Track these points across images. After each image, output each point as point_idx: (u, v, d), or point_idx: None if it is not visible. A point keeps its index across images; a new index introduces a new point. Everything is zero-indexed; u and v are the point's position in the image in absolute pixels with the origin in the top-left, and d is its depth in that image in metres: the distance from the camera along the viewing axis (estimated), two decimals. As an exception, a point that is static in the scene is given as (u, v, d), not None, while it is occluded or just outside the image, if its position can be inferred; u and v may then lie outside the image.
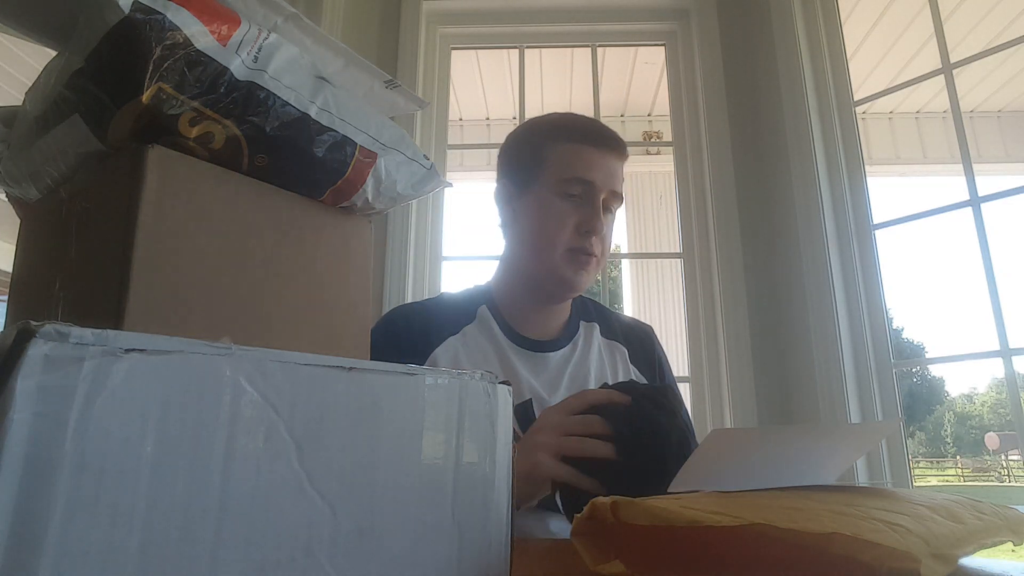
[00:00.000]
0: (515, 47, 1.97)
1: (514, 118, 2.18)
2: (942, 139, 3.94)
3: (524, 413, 0.79)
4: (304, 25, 0.38)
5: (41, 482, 0.17)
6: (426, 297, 0.99)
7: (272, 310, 0.35)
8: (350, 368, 0.25)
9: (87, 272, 0.32)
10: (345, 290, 0.40)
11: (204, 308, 0.32)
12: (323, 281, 0.38)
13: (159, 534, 0.19)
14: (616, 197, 0.86)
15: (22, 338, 0.17)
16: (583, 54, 2.17)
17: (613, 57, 2.78)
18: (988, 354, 1.46)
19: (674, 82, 1.89)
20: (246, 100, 0.33)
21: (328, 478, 0.23)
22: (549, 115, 0.92)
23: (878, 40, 2.62)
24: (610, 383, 0.87)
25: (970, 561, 0.38)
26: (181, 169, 0.32)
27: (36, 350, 0.17)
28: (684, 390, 1.29)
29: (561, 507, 0.61)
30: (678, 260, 1.78)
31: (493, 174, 0.94)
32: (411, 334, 0.82)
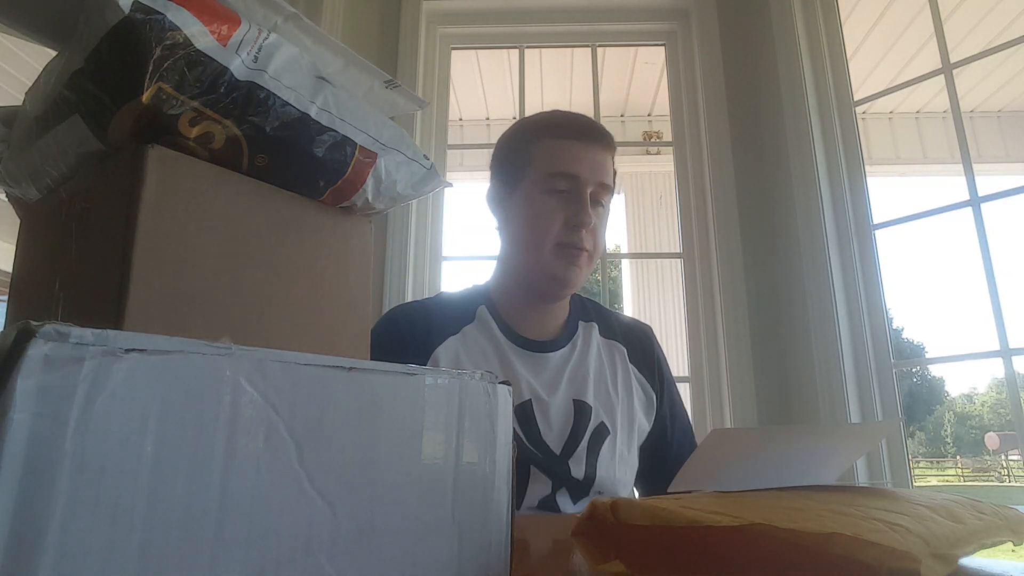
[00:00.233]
0: (515, 47, 1.98)
1: (514, 118, 2.17)
2: (942, 139, 3.95)
3: (524, 413, 0.79)
4: (304, 25, 0.38)
5: (41, 482, 0.17)
6: (425, 297, 0.99)
7: (272, 310, 0.35)
8: (350, 368, 0.25)
9: (87, 272, 0.32)
10: (345, 290, 0.40)
11: (204, 308, 0.32)
12: (323, 281, 0.38)
13: (159, 534, 0.19)
14: (605, 189, 0.85)
15: (22, 338, 0.17)
16: (583, 54, 2.17)
17: (613, 57, 2.78)
18: (988, 354, 1.46)
19: (674, 82, 1.89)
20: (246, 100, 0.33)
21: (328, 478, 0.23)
22: (535, 114, 0.92)
23: (878, 40, 2.62)
24: (609, 383, 0.87)
25: (970, 561, 0.38)
26: (181, 169, 0.32)
27: (36, 350, 0.17)
28: (684, 390, 1.28)
29: None
30: (678, 260, 1.78)
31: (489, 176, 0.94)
32: (413, 334, 0.82)
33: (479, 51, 2.58)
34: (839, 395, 1.45)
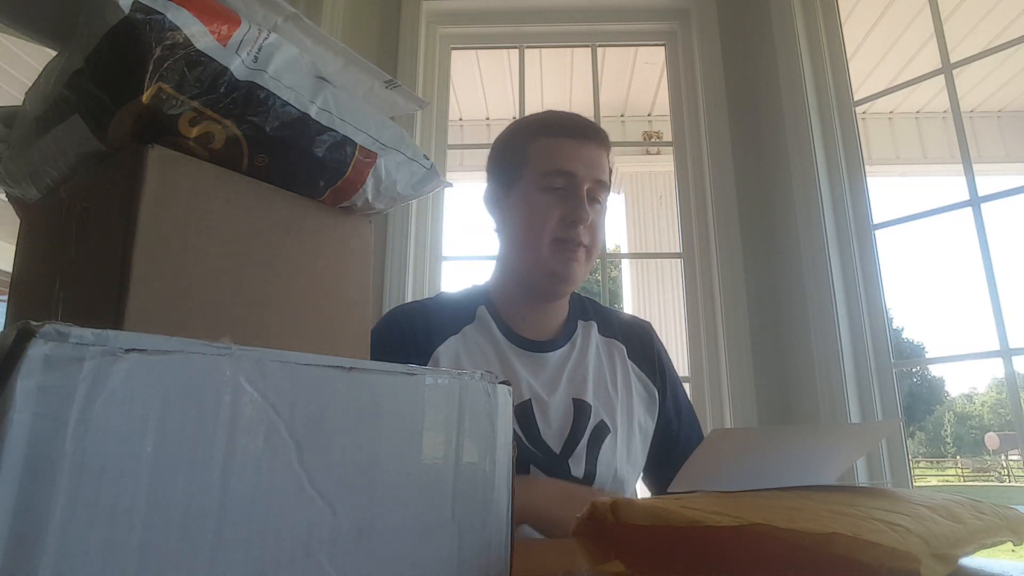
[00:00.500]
0: (515, 47, 1.97)
1: (514, 118, 2.18)
2: (942, 139, 3.94)
3: (523, 413, 0.79)
4: (304, 25, 0.38)
5: (41, 482, 0.17)
6: (425, 297, 0.99)
7: (272, 310, 0.35)
8: (350, 368, 0.25)
9: (87, 272, 0.32)
10: (345, 290, 0.40)
11: (204, 308, 0.32)
12: (323, 281, 0.38)
13: (159, 534, 0.19)
14: (602, 187, 0.85)
15: (22, 338, 0.17)
16: (583, 54, 2.17)
17: (613, 57, 2.78)
18: (988, 354, 1.46)
19: (674, 82, 1.89)
20: (246, 100, 0.33)
21: (328, 478, 0.23)
22: (530, 115, 0.93)
23: (878, 40, 2.62)
24: (608, 382, 0.87)
25: (970, 561, 0.38)
26: (181, 169, 0.32)
27: (36, 350, 0.17)
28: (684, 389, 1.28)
29: None
30: (678, 260, 1.78)
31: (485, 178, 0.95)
32: (413, 333, 0.82)
33: (479, 51, 2.58)
34: (839, 395, 1.45)
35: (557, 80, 2.95)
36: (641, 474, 0.89)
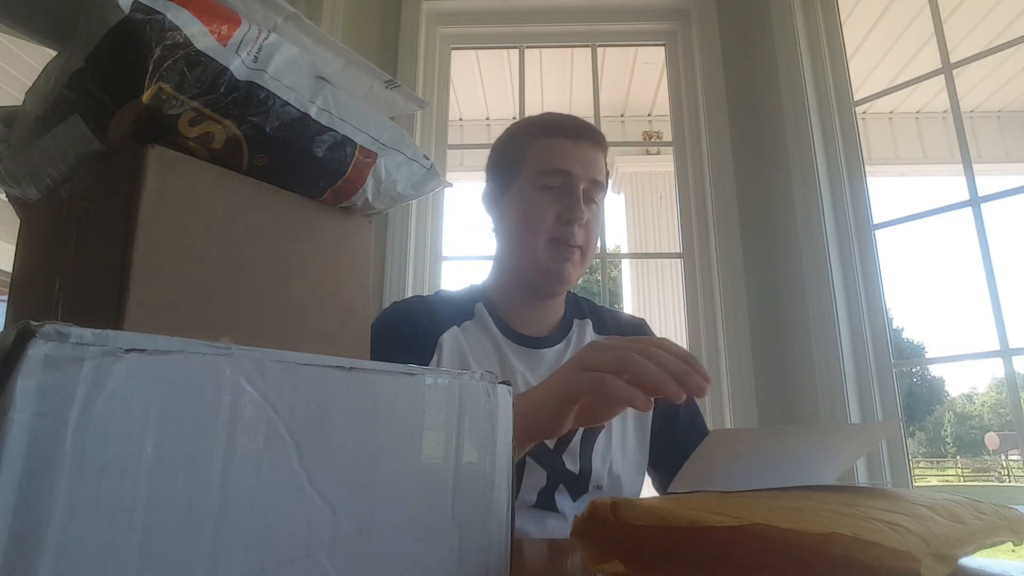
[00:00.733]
0: (515, 47, 1.97)
1: (514, 118, 2.18)
2: (942, 139, 3.95)
3: None
4: (304, 25, 0.38)
5: (41, 482, 0.17)
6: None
7: (272, 310, 0.35)
8: (350, 368, 0.25)
9: (87, 272, 0.32)
10: (345, 290, 0.40)
11: (204, 308, 0.32)
12: (323, 281, 0.38)
13: (159, 534, 0.19)
14: (598, 187, 0.87)
15: (22, 338, 0.17)
16: (583, 54, 2.17)
17: (613, 57, 2.78)
18: (988, 354, 1.46)
19: (674, 82, 1.89)
20: (246, 100, 0.33)
21: (328, 478, 0.23)
22: (528, 117, 0.95)
23: (878, 40, 2.62)
24: None
25: (970, 561, 0.38)
26: (181, 169, 0.32)
27: (36, 350, 0.17)
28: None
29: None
30: (678, 260, 1.78)
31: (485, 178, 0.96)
32: (419, 321, 0.83)
33: (479, 51, 2.58)
34: (839, 395, 1.45)
35: (557, 80, 2.96)
36: (646, 471, 0.89)
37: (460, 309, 0.87)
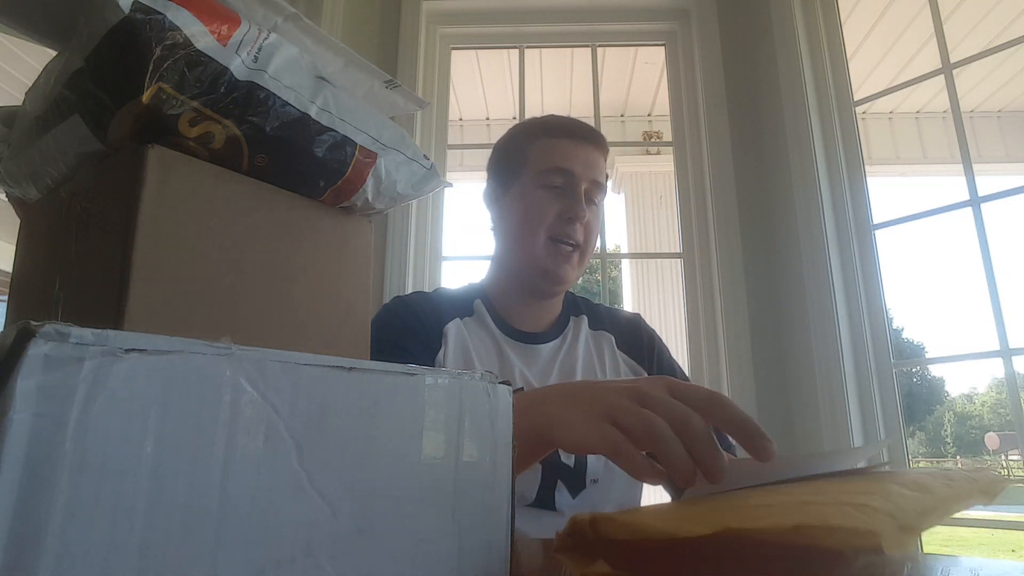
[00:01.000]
0: (515, 47, 1.97)
1: (514, 118, 2.18)
2: (942, 139, 3.94)
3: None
4: (304, 25, 0.38)
5: (41, 482, 0.17)
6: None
7: (272, 310, 0.35)
8: (350, 368, 0.25)
9: (87, 272, 0.32)
10: (345, 290, 0.40)
11: (204, 308, 0.32)
12: (323, 281, 0.38)
13: (159, 534, 0.19)
14: (598, 188, 0.88)
15: (22, 338, 0.17)
16: (583, 54, 2.17)
17: (613, 57, 2.78)
18: (988, 354, 1.46)
19: (674, 82, 1.89)
20: (246, 100, 0.33)
21: (328, 478, 0.23)
22: (530, 118, 0.96)
23: (878, 40, 2.62)
24: (597, 370, 0.88)
25: (970, 561, 0.38)
26: (181, 169, 0.32)
27: (36, 350, 0.17)
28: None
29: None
30: (678, 260, 1.78)
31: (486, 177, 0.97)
32: (423, 311, 0.84)
33: (479, 51, 2.58)
34: (839, 395, 1.45)
35: (557, 80, 2.96)
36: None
37: (460, 305, 0.89)
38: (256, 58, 0.33)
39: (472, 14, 1.90)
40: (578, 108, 3.21)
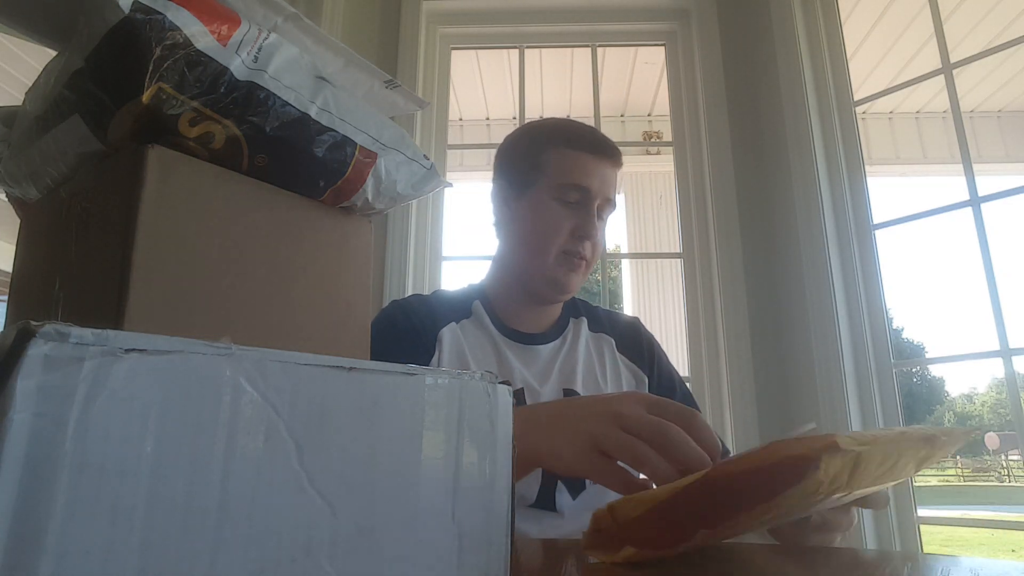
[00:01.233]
0: (515, 47, 1.97)
1: (514, 118, 2.18)
2: (942, 139, 3.95)
3: (516, 401, 0.81)
4: (304, 25, 0.38)
5: (41, 482, 0.17)
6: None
7: (272, 310, 0.35)
8: (350, 368, 0.25)
9: (87, 272, 0.32)
10: (345, 290, 0.40)
11: (204, 308, 0.32)
12: (323, 281, 0.38)
13: (159, 534, 0.19)
14: (609, 204, 0.89)
15: (22, 338, 0.17)
16: (583, 54, 2.17)
17: (613, 57, 2.78)
18: (988, 354, 1.46)
19: (674, 82, 1.89)
20: (246, 100, 0.33)
21: (328, 478, 0.23)
22: (548, 119, 0.95)
23: (878, 40, 2.62)
24: (598, 372, 0.89)
25: (970, 561, 0.38)
26: (181, 169, 0.32)
27: (36, 350, 0.17)
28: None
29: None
30: (678, 260, 1.78)
31: (493, 174, 0.96)
32: (419, 317, 0.85)
33: (479, 51, 2.58)
34: (839, 395, 1.45)
35: (557, 80, 2.96)
36: None
37: (458, 307, 0.89)
38: (256, 58, 0.33)
39: (472, 14, 1.90)
40: (578, 108, 3.21)
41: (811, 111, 1.63)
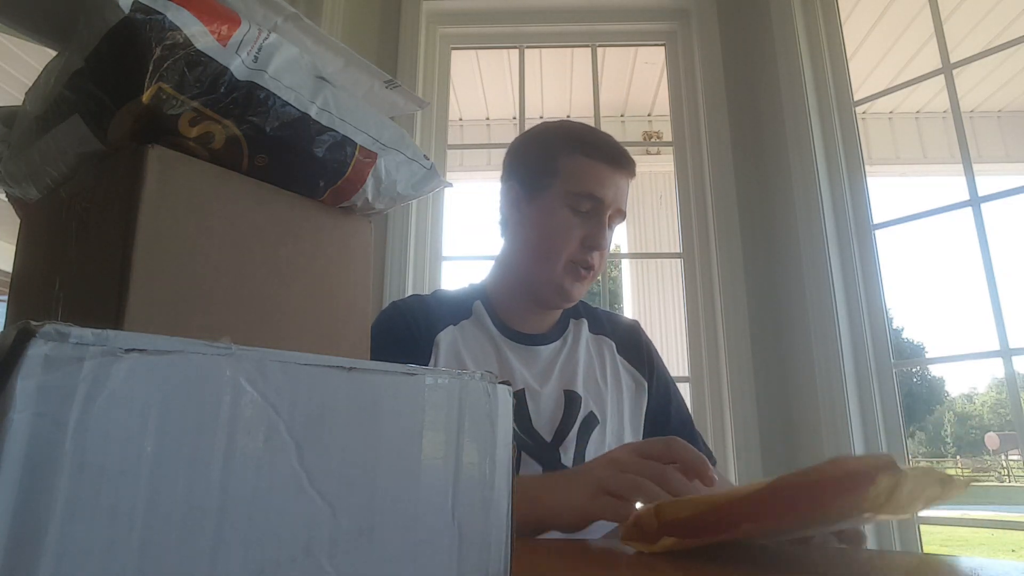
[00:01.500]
0: (515, 47, 1.97)
1: (514, 118, 2.18)
2: (942, 139, 3.95)
3: (517, 402, 0.81)
4: (304, 25, 0.38)
5: (41, 482, 0.17)
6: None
7: (272, 310, 0.35)
8: (350, 368, 0.25)
9: (87, 272, 0.32)
10: (345, 290, 0.40)
11: (204, 308, 0.32)
12: (323, 281, 0.38)
13: (159, 534, 0.19)
14: (620, 215, 0.89)
15: (22, 338, 0.17)
16: (583, 54, 2.17)
17: (613, 57, 2.78)
18: (988, 354, 1.46)
19: (674, 82, 1.89)
20: (246, 100, 0.33)
21: (328, 478, 0.23)
22: (564, 122, 0.94)
23: (878, 40, 2.62)
24: (598, 374, 0.89)
25: (970, 561, 0.38)
26: (181, 169, 0.32)
27: (36, 350, 0.17)
28: (684, 390, 1.29)
29: None
30: (678, 260, 1.78)
31: (493, 174, 0.95)
32: (416, 322, 0.84)
33: (479, 51, 2.58)
34: (839, 395, 1.45)
35: (557, 80, 2.96)
36: None
37: (458, 308, 0.88)
38: (256, 58, 0.34)
39: (472, 14, 1.90)
40: (578, 108, 3.21)
41: (811, 111, 1.63)
